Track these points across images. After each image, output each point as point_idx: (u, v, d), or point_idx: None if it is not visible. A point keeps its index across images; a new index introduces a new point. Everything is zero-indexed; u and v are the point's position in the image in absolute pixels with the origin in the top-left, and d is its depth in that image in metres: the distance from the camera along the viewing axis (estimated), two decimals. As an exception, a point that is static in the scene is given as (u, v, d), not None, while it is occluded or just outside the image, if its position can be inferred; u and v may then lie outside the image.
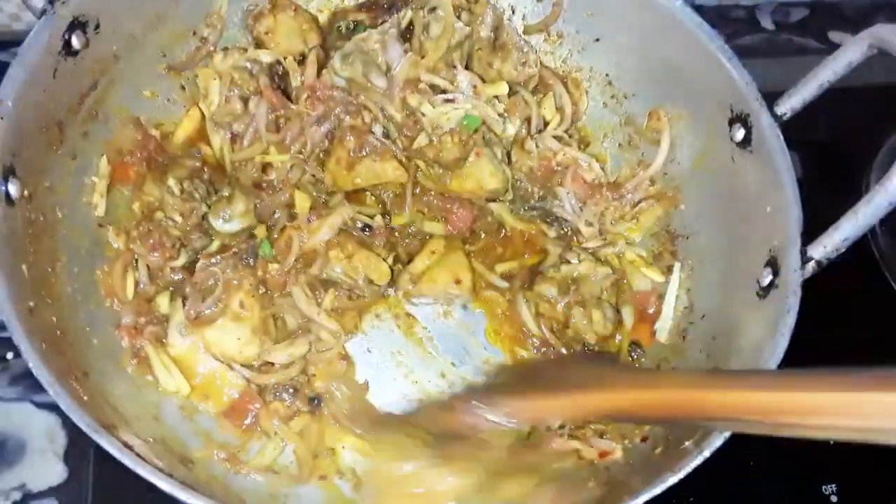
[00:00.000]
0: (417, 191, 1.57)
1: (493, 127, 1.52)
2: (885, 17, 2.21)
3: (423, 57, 1.48)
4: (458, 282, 1.49)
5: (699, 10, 1.49)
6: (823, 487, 1.52)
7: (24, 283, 1.19)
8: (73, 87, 1.39)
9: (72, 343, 1.26)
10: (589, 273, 1.48)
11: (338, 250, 1.40)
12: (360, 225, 1.44)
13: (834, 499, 1.51)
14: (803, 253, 1.22)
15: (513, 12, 1.72)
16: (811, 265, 1.22)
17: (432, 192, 1.56)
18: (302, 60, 1.51)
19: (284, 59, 1.50)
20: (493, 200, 1.59)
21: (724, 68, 1.44)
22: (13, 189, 1.19)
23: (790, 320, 1.18)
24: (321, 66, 1.49)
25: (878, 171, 1.77)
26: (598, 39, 1.70)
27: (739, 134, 1.43)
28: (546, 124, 1.63)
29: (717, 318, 1.44)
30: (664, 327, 1.51)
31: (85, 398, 1.13)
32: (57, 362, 1.14)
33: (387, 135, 1.49)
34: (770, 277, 1.28)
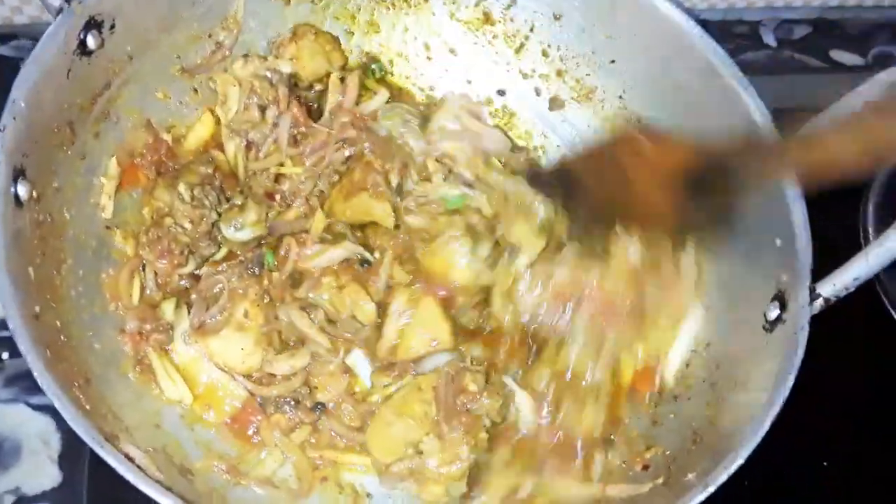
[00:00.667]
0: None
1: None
2: (887, 36, 2.23)
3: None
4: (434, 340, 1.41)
5: (703, 24, 1.50)
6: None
7: (31, 286, 1.18)
8: (86, 88, 1.38)
9: (74, 348, 1.25)
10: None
11: (332, 278, 1.39)
12: (358, 257, 1.43)
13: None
14: (812, 289, 1.23)
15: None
16: (819, 302, 1.22)
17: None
18: (325, 79, 1.52)
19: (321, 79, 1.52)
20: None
21: (737, 96, 1.45)
22: (22, 191, 1.18)
23: (798, 355, 1.18)
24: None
25: (877, 189, 1.76)
26: (613, 61, 1.70)
27: (752, 166, 1.43)
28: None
29: (721, 349, 1.44)
30: (671, 371, 1.47)
31: (87, 407, 1.12)
32: (60, 369, 1.13)
33: (399, 190, 1.49)
34: (777, 312, 1.29)
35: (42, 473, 1.42)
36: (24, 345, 1.04)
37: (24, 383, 1.49)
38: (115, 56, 1.42)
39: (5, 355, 1.51)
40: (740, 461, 1.09)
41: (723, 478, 1.08)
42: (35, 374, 1.04)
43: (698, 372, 1.45)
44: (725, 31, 2.16)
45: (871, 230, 1.65)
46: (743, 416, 1.19)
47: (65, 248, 1.31)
